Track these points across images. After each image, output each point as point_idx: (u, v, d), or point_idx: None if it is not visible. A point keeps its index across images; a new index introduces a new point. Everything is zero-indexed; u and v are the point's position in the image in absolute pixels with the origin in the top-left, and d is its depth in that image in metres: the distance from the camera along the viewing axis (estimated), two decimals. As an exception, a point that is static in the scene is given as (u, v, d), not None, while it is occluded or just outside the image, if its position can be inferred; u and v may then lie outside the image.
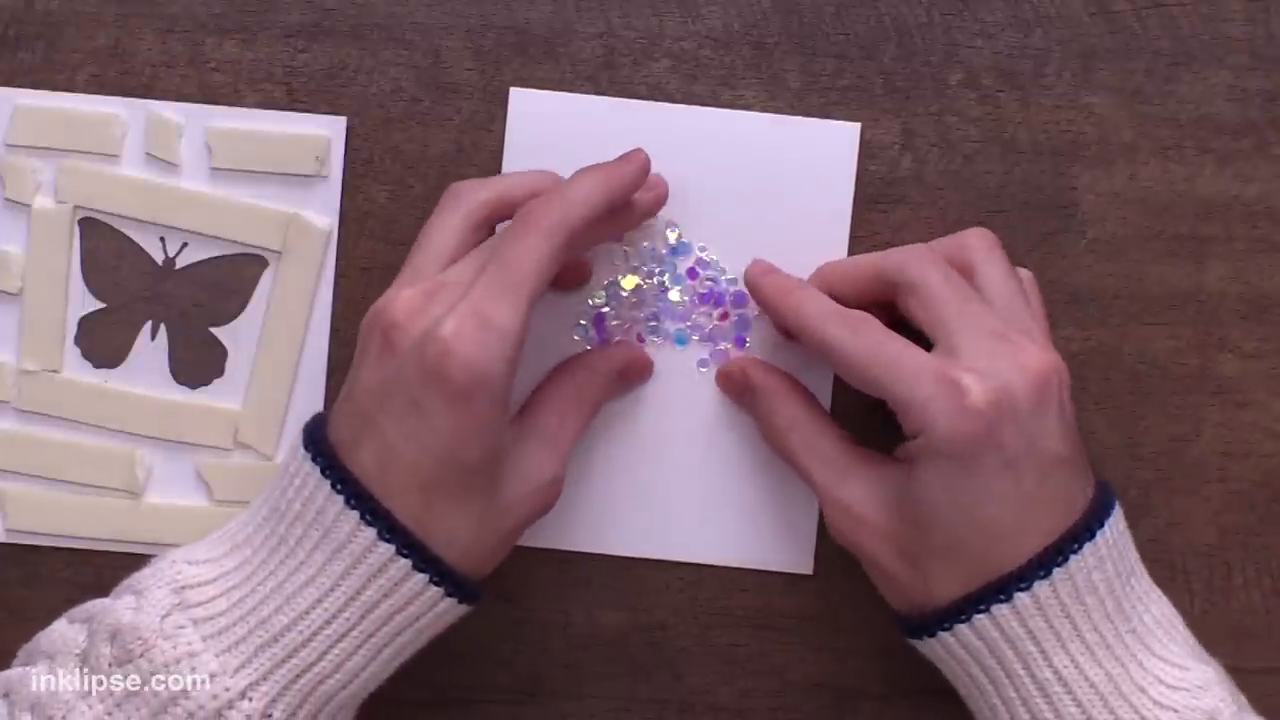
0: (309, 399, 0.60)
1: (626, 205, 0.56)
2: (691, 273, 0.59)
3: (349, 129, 0.60)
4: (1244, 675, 0.55)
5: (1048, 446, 0.51)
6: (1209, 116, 0.59)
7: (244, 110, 0.60)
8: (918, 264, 0.53)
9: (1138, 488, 0.60)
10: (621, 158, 0.55)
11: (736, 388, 0.59)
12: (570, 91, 0.59)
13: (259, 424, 0.60)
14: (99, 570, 0.60)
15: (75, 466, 0.60)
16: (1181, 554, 0.60)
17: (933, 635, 0.52)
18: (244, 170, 0.60)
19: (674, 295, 0.60)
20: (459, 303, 0.50)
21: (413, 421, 0.50)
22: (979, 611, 0.51)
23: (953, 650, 0.52)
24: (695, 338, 0.60)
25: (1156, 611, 0.53)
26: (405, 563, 0.50)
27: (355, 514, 0.50)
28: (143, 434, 0.60)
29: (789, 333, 0.57)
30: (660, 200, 0.58)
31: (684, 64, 0.60)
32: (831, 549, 0.59)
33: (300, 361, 0.60)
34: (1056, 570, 0.50)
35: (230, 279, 0.60)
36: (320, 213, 0.60)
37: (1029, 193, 0.60)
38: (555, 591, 0.60)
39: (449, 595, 0.51)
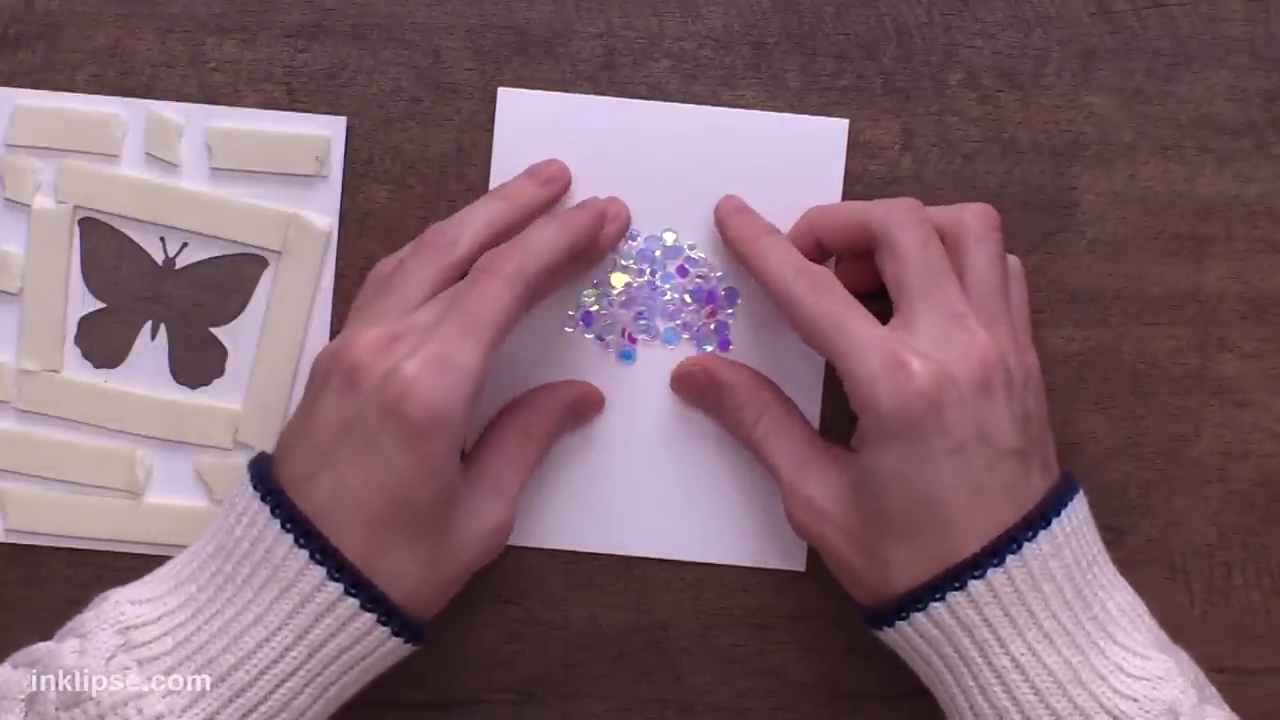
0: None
1: (590, 244, 0.57)
2: (681, 270, 0.59)
3: (349, 129, 0.60)
4: (1244, 675, 0.55)
5: (997, 436, 0.51)
6: (1209, 116, 0.59)
7: (244, 110, 0.60)
8: (900, 224, 0.53)
9: (1138, 488, 0.60)
10: (580, 205, 0.57)
11: (697, 387, 0.59)
12: (570, 91, 0.59)
13: (259, 424, 0.60)
14: (99, 570, 0.60)
15: (75, 466, 0.60)
16: (1181, 554, 0.60)
17: (891, 625, 0.53)
18: (244, 170, 0.60)
19: (664, 293, 0.60)
20: (422, 345, 0.51)
21: (369, 459, 0.50)
22: (935, 599, 0.51)
23: (911, 640, 0.53)
24: (685, 336, 0.60)
25: (1120, 600, 0.53)
26: (353, 602, 0.50)
27: (304, 552, 0.50)
28: (143, 434, 0.60)
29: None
30: (624, 229, 0.59)
31: (684, 64, 0.60)
32: (831, 549, 0.60)
33: (300, 361, 0.60)
34: (1010, 558, 0.51)
35: (230, 279, 0.60)
36: (320, 213, 0.60)
37: (1029, 193, 0.60)
38: (556, 591, 0.60)
39: (395, 635, 0.52)
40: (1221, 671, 0.56)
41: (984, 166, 0.60)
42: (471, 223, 0.55)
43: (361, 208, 0.60)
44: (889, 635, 0.54)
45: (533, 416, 0.58)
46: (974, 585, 0.51)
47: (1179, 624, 0.55)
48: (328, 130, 0.59)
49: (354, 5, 0.60)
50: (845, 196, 0.59)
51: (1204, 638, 0.55)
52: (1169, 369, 0.60)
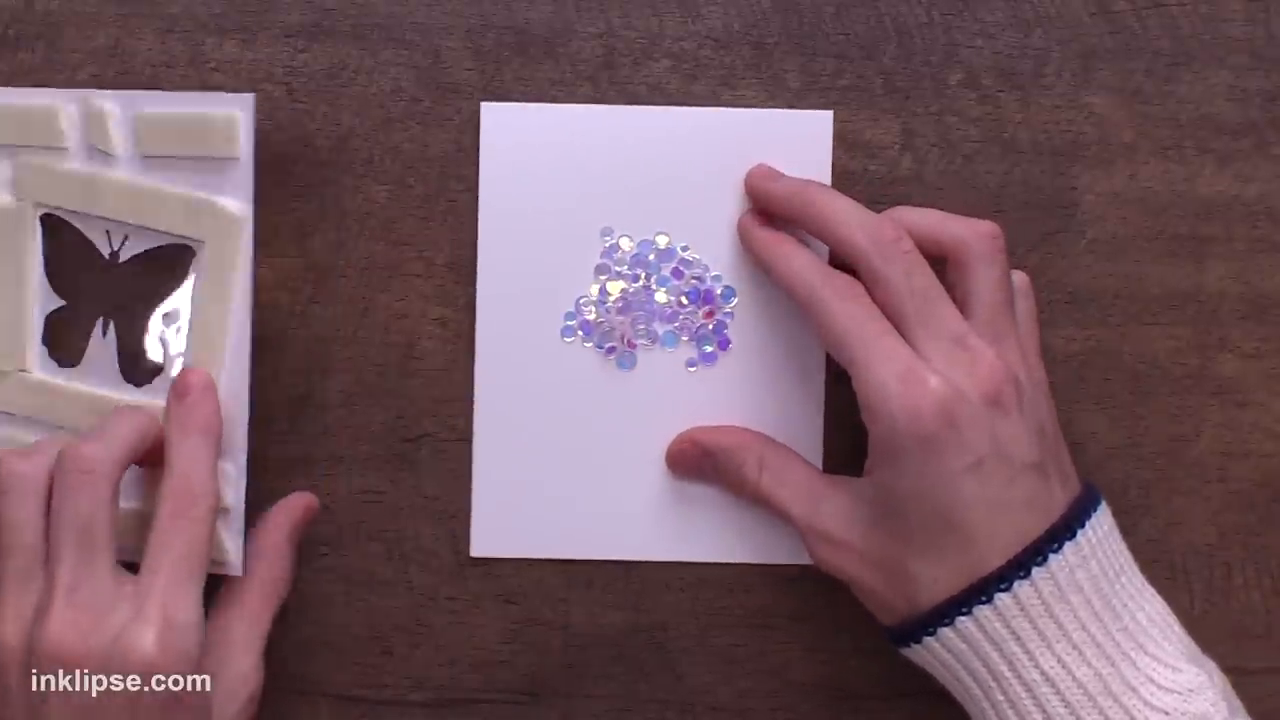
0: (234, 387, 0.57)
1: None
2: (676, 273, 0.59)
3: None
4: (1244, 675, 0.55)
5: (1014, 450, 0.52)
6: (1209, 116, 0.59)
7: (170, 94, 0.58)
8: (884, 256, 0.53)
9: (1138, 488, 0.60)
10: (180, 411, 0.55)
11: (691, 462, 0.59)
12: (570, 91, 0.59)
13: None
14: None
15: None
16: (1181, 554, 0.60)
17: (919, 641, 0.53)
18: (170, 156, 0.57)
19: (660, 297, 0.60)
20: (145, 610, 0.50)
21: None
22: (961, 614, 0.51)
23: (940, 656, 0.53)
24: (684, 338, 0.60)
25: (1150, 610, 0.53)
26: None
27: None
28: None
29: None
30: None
31: (684, 64, 0.60)
32: (832, 549, 0.60)
33: (226, 353, 0.57)
34: (1036, 570, 0.51)
35: (165, 271, 0.58)
36: (234, 197, 0.57)
37: (1029, 193, 0.60)
38: (556, 592, 0.60)
39: None
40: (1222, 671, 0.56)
41: (984, 166, 0.60)
42: (42, 450, 0.54)
43: (361, 208, 0.60)
44: (917, 653, 0.54)
45: (266, 567, 0.57)
46: (1000, 598, 0.51)
47: (1179, 624, 0.55)
48: (236, 108, 0.57)
49: (354, 5, 0.60)
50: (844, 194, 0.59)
51: (1204, 638, 0.55)
52: (1169, 369, 0.60)
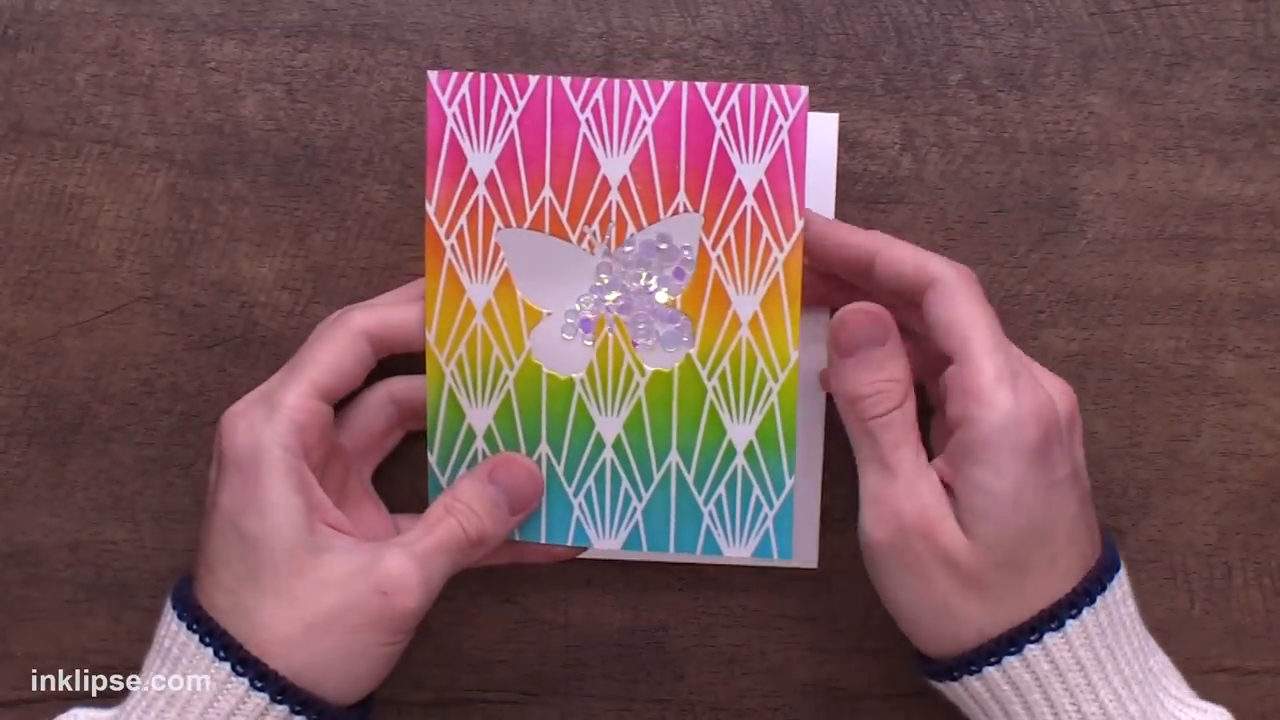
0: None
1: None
2: (678, 273, 0.59)
3: (349, 129, 0.59)
4: (1244, 675, 0.55)
5: (1083, 472, 0.52)
6: (1209, 116, 0.59)
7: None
8: (966, 278, 0.52)
9: (1138, 488, 0.60)
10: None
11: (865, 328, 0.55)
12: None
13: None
14: (99, 570, 0.60)
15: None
16: (1181, 554, 0.60)
17: (956, 679, 0.52)
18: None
19: (661, 297, 0.59)
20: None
21: (211, 509, 0.52)
22: (1010, 653, 0.50)
23: (977, 695, 0.52)
24: (685, 339, 0.59)
25: (1159, 655, 0.53)
26: (194, 636, 0.51)
27: (172, 611, 0.53)
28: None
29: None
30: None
31: (684, 64, 0.60)
32: (832, 547, 0.60)
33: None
34: (1086, 609, 0.50)
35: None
36: None
37: (1029, 193, 0.60)
38: (555, 591, 0.60)
39: (242, 677, 0.50)
40: (1221, 671, 0.57)
41: (984, 166, 0.60)
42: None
43: (362, 208, 0.60)
44: (950, 688, 0.52)
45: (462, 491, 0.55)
46: (1050, 637, 0.50)
47: (1179, 624, 0.55)
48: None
49: (354, 5, 0.60)
50: (844, 196, 0.59)
51: (1204, 638, 0.55)
52: (1169, 369, 0.60)
